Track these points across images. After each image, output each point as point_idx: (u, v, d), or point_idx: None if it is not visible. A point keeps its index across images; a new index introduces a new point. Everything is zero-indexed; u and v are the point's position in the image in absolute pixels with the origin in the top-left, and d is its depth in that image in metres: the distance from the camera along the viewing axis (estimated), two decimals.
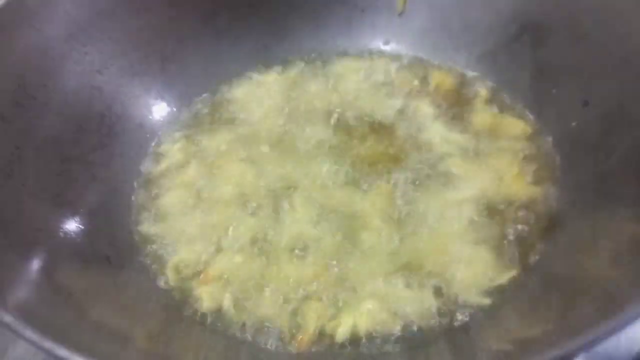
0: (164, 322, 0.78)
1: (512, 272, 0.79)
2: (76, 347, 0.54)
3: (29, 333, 0.55)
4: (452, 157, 0.94)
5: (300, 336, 0.76)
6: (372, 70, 1.14)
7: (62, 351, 0.53)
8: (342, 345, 0.76)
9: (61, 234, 0.83)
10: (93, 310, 0.70)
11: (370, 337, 0.76)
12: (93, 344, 0.61)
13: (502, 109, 1.02)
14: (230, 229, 0.89)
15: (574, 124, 0.90)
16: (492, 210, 0.86)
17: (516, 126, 0.98)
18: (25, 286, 0.68)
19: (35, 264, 0.73)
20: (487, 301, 0.77)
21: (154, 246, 0.90)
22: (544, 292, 0.75)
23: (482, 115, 1.01)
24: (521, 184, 0.89)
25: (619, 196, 0.76)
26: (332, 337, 0.76)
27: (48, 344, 0.53)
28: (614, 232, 0.73)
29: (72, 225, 0.85)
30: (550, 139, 0.94)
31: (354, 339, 0.76)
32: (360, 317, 0.77)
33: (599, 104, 0.87)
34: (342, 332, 0.76)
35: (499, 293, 0.78)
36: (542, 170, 0.90)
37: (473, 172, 0.92)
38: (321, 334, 0.77)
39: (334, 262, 0.83)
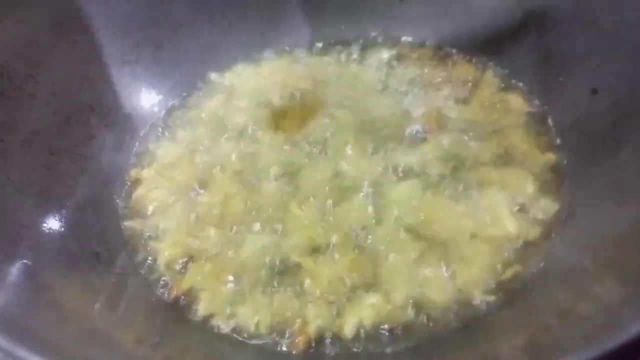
0: (154, 323, 0.75)
1: (516, 268, 0.76)
2: (54, 356, 0.51)
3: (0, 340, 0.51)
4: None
5: (298, 338, 0.73)
6: (371, 58, 1.10)
7: None
8: (353, 345, 0.72)
9: (47, 230, 0.80)
10: (78, 313, 0.67)
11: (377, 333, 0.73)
12: (75, 351, 0.58)
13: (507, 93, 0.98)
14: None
15: (582, 112, 0.86)
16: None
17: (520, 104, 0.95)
18: (5, 287, 0.65)
19: (18, 263, 0.70)
20: (492, 298, 0.74)
21: (146, 242, 0.86)
22: (550, 291, 0.72)
23: (488, 99, 0.98)
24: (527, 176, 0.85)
25: (630, 190, 0.73)
26: (339, 337, 0.73)
27: (21, 353, 0.50)
28: (625, 228, 0.69)
29: (59, 221, 0.82)
30: (557, 128, 0.90)
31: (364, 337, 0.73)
32: (364, 312, 0.73)
33: (608, 92, 0.83)
34: (348, 330, 0.73)
35: (505, 290, 0.74)
36: (549, 162, 0.86)
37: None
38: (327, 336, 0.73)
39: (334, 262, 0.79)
